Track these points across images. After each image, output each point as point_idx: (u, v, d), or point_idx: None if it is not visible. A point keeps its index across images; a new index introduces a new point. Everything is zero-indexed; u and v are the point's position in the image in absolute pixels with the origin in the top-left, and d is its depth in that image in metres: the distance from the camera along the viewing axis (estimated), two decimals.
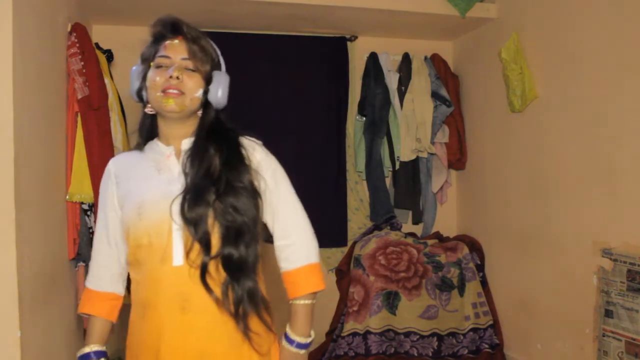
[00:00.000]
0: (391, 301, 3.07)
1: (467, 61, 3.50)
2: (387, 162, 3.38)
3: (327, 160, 3.35)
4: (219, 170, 1.21)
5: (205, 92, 1.25)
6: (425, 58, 3.48)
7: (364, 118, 3.38)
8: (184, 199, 1.18)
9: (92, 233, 2.28)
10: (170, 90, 1.19)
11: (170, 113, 1.21)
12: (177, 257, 1.17)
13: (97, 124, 2.27)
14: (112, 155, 2.36)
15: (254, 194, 1.23)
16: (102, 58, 2.61)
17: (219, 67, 1.29)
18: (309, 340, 1.28)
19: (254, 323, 1.21)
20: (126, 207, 1.24)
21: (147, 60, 1.25)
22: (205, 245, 1.16)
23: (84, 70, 2.23)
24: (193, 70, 1.22)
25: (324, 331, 3.17)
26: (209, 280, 1.16)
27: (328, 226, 3.30)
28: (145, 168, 1.26)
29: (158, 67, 1.22)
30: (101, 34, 2.98)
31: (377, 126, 3.33)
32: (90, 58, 2.29)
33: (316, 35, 3.38)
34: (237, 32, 3.21)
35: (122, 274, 1.31)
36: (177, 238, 1.17)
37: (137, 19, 3.03)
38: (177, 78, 1.19)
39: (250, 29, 3.20)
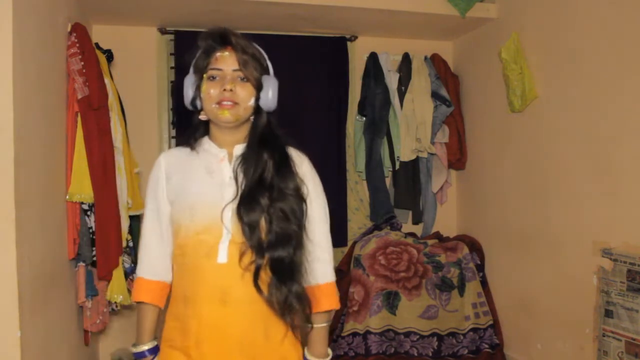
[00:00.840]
0: (391, 301, 3.07)
1: (467, 61, 3.50)
2: (387, 162, 3.38)
3: (327, 160, 3.34)
4: (271, 176, 1.28)
5: (257, 99, 1.30)
6: (425, 58, 3.47)
7: (364, 118, 3.38)
8: (240, 204, 1.25)
9: (92, 233, 2.28)
10: (225, 102, 1.25)
11: (226, 123, 1.28)
12: (222, 255, 1.25)
13: (97, 123, 2.27)
14: (112, 155, 2.37)
15: (301, 200, 1.31)
16: (102, 58, 2.61)
17: (267, 71, 1.34)
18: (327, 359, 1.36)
19: (298, 319, 1.29)
20: (177, 206, 1.30)
21: (199, 72, 1.29)
22: (258, 249, 1.23)
23: (84, 70, 2.23)
24: (245, 80, 1.27)
25: None
26: (259, 282, 1.24)
27: None
28: (196, 167, 1.32)
29: (211, 79, 1.27)
30: (101, 34, 2.98)
31: (377, 126, 3.33)
32: (90, 58, 2.28)
33: (316, 35, 3.38)
34: (237, 32, 3.21)
35: (170, 264, 1.37)
36: (225, 240, 1.25)
37: (137, 19, 3.04)
38: (231, 90, 1.24)
39: (250, 29, 3.19)
